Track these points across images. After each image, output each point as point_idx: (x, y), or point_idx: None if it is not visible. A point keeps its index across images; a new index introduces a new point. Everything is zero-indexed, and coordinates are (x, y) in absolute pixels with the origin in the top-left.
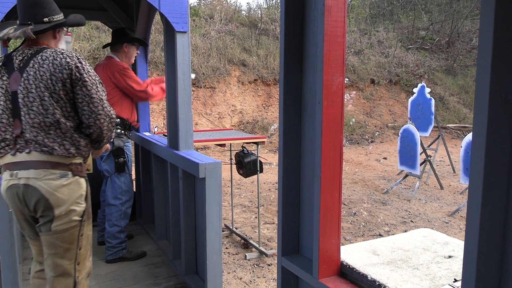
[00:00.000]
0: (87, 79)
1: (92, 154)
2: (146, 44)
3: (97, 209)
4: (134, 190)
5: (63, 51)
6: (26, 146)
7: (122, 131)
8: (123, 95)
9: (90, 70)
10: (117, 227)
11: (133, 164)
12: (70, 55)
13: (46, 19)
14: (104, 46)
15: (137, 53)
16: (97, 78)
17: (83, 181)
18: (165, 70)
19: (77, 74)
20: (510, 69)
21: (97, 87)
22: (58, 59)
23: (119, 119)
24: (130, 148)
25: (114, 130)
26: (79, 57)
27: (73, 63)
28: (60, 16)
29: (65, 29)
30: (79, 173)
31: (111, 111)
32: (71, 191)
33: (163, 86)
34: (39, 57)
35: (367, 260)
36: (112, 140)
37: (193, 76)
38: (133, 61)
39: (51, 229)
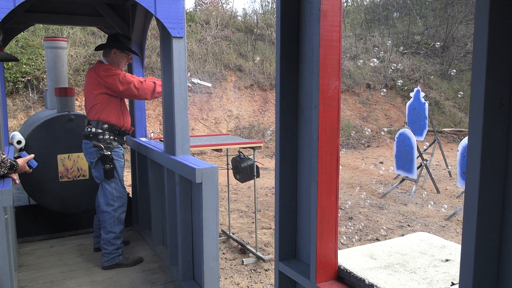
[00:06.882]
0: None
1: None
2: (138, 54)
3: (94, 214)
4: (131, 195)
5: None
6: None
7: (111, 137)
8: (110, 99)
9: None
10: (113, 234)
11: (129, 170)
12: None
13: None
14: (96, 49)
15: (128, 61)
16: None
17: None
18: (162, 75)
19: None
20: (504, 72)
21: None
22: None
23: (106, 125)
24: (120, 154)
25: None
26: None
27: None
28: None
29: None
30: None
31: None
32: None
33: (157, 82)
34: None
35: (365, 264)
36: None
37: (209, 84)
38: (122, 69)
39: None
